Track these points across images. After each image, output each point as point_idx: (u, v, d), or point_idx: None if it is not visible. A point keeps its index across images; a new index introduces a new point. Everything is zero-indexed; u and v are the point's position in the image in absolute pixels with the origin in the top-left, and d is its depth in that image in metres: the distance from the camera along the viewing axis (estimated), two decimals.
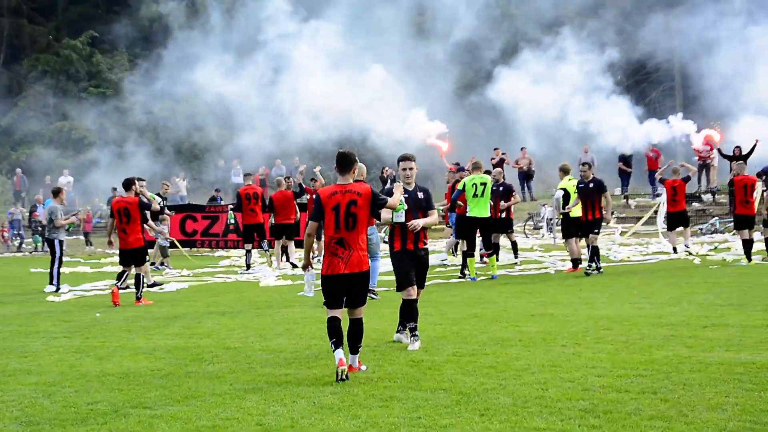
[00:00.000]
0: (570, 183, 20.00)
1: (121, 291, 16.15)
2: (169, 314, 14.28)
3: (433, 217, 10.86)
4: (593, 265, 18.91)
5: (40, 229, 32.81)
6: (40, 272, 23.92)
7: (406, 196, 10.70)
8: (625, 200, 34.85)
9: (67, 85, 50.52)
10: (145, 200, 17.08)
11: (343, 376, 8.70)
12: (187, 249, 29.14)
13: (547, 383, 8.17)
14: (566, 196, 19.90)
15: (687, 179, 22.74)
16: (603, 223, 19.89)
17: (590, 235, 19.28)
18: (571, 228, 19.59)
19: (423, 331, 11.12)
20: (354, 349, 9.19)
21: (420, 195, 10.90)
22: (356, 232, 9.14)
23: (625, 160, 34.86)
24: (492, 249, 19.11)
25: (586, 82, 29.17)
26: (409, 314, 10.63)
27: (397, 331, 11.05)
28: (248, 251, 23.03)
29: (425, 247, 10.87)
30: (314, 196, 9.49)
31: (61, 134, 48.56)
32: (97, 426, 7.25)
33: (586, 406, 7.34)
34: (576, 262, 19.53)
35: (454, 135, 28.92)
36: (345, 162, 9.24)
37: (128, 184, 16.82)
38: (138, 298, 16.01)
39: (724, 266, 19.63)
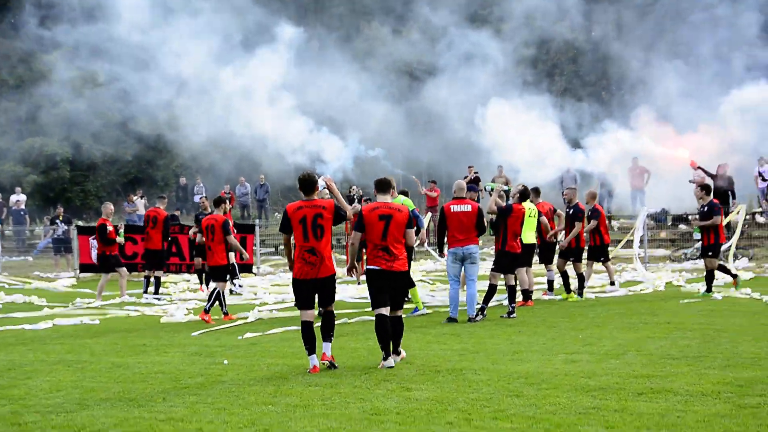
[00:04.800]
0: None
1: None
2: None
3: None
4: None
5: None
6: None
7: None
8: (608, 221, 32.35)
9: None
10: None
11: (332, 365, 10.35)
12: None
13: None
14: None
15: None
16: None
17: (576, 263, 18.41)
18: (525, 256, 17.22)
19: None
20: (327, 337, 10.58)
21: None
22: (323, 242, 10.45)
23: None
24: None
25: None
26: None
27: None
28: (146, 278, 21.30)
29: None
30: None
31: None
32: None
33: None
34: (527, 293, 17.15)
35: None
36: (308, 184, 10.59)
37: (218, 202, 17.39)
38: (206, 311, 15.88)
39: (699, 300, 17.19)
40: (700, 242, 18.31)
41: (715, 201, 18.19)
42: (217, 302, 16.07)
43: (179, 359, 11.55)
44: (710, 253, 17.92)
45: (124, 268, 20.74)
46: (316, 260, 10.42)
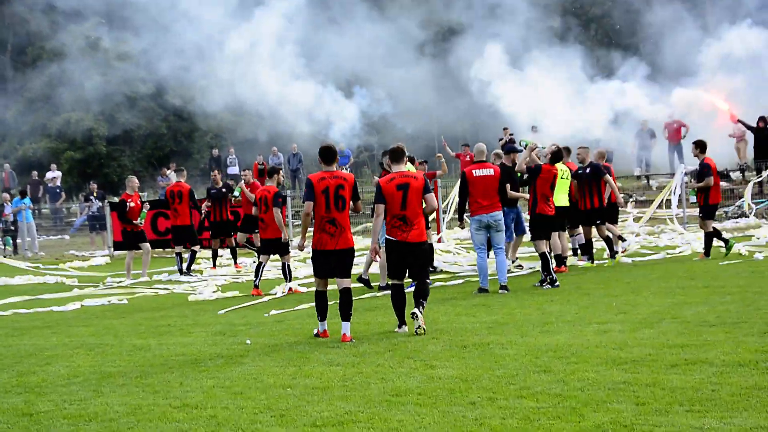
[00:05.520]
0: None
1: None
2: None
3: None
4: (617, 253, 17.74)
5: (12, 229, 30.41)
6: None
7: None
8: (646, 181, 31.68)
9: None
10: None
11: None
12: (160, 250, 26.67)
13: None
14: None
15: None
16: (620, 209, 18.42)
17: (597, 226, 17.58)
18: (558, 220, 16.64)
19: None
20: (346, 317, 10.53)
21: None
22: (344, 213, 10.52)
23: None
24: None
25: None
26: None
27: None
28: (178, 254, 20.63)
29: None
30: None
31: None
32: None
33: None
34: (560, 259, 16.69)
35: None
36: (329, 154, 10.71)
37: (271, 172, 16.92)
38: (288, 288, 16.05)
39: (740, 261, 16.67)
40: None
41: (707, 160, 17.30)
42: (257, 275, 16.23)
43: (202, 340, 11.34)
44: (701, 215, 17.41)
45: (147, 244, 20.00)
46: (336, 231, 10.49)
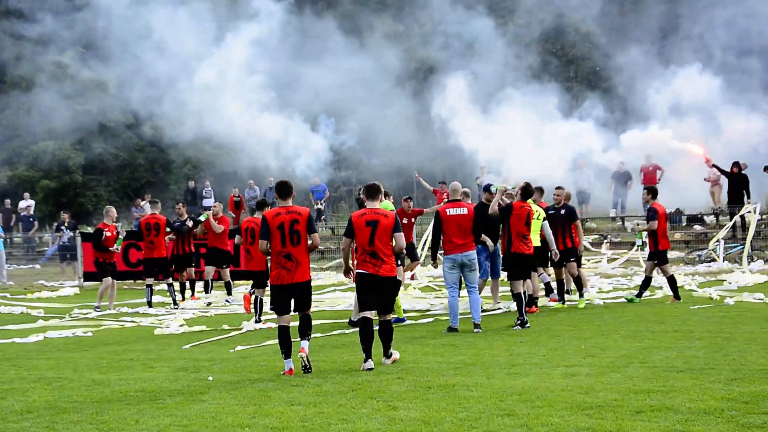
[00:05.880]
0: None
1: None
2: None
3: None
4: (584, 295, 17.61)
5: None
6: None
7: None
8: (621, 222, 31.72)
9: None
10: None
11: (306, 365, 10.62)
12: (131, 281, 26.39)
13: None
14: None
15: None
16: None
17: (567, 264, 17.49)
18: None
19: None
20: (304, 336, 10.76)
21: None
22: (300, 248, 10.69)
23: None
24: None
25: None
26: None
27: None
28: (148, 286, 20.26)
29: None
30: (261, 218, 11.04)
31: None
32: None
33: None
34: (531, 299, 16.57)
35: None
36: (285, 189, 10.92)
37: (261, 204, 17.31)
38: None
39: (711, 306, 16.62)
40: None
41: (654, 205, 17.58)
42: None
43: (164, 375, 11.12)
44: (656, 262, 17.65)
45: (110, 279, 19.71)
46: (292, 265, 10.68)
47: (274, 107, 29.79)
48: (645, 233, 18.19)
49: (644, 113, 31.97)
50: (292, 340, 10.89)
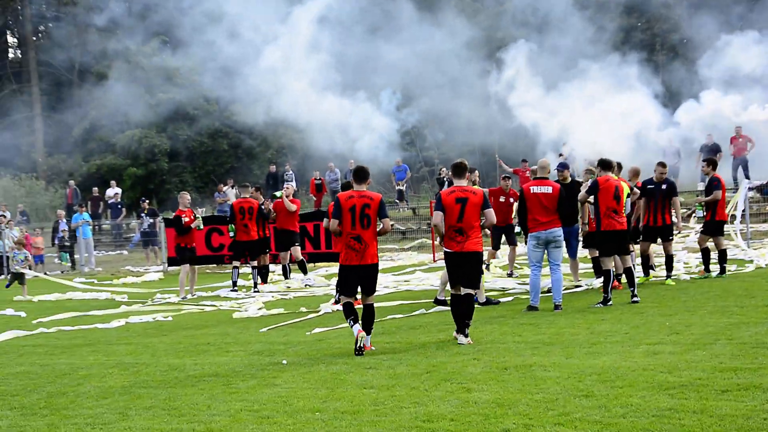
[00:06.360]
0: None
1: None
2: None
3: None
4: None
5: (67, 245, 30.66)
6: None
7: None
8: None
9: None
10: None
11: (361, 344, 10.65)
12: (214, 265, 26.61)
13: None
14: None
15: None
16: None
17: (664, 243, 16.96)
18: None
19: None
20: (367, 332, 10.90)
21: None
22: (369, 231, 10.92)
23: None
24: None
25: None
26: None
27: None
28: (235, 267, 20.51)
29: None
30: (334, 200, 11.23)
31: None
32: None
33: None
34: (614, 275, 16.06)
35: None
36: (362, 174, 11.14)
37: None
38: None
39: None
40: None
41: (716, 176, 17.02)
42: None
43: (238, 360, 11.08)
44: (703, 230, 17.32)
45: (187, 265, 19.69)
46: (360, 247, 10.93)
47: (342, 87, 29.57)
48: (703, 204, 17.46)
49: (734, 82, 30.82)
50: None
